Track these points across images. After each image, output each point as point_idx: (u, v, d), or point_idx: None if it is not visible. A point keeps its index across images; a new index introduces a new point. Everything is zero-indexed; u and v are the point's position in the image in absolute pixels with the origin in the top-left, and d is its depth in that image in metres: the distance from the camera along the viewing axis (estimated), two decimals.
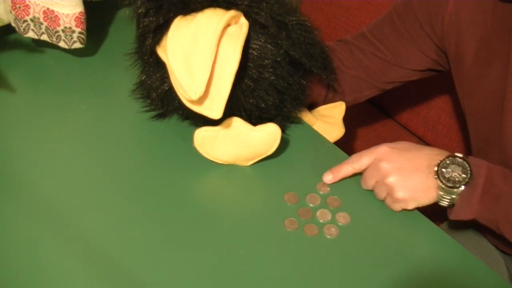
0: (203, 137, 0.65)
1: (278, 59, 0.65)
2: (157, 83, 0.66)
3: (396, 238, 0.63)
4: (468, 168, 0.62)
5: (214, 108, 0.58)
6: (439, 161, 0.63)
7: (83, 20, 0.78)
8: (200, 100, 0.58)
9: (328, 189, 0.67)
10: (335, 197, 0.66)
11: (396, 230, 0.64)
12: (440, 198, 0.64)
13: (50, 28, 0.78)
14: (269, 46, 0.63)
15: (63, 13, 0.77)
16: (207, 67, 0.55)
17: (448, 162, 0.63)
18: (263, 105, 0.67)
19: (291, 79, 0.68)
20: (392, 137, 1.22)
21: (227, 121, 0.64)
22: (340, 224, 0.63)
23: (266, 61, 0.64)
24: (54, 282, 0.53)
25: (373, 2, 1.18)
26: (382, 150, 0.66)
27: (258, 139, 0.65)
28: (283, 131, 0.71)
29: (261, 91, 0.65)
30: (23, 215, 0.59)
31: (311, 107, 0.83)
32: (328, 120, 0.81)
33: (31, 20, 0.78)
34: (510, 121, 0.69)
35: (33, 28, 0.79)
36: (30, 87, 0.79)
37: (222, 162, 0.68)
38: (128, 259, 0.56)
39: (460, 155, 0.63)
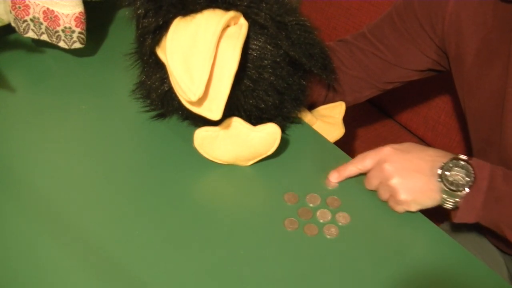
0: (203, 137, 0.65)
1: (278, 60, 0.65)
2: (157, 83, 0.66)
3: (396, 238, 0.63)
4: (472, 171, 0.62)
5: (213, 109, 0.58)
6: (443, 164, 0.63)
7: (83, 20, 0.78)
8: (200, 101, 0.58)
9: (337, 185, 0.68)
10: (335, 197, 0.66)
11: (396, 230, 0.64)
12: (444, 201, 0.64)
13: (50, 28, 0.78)
14: (268, 46, 0.63)
15: (63, 13, 0.77)
16: (207, 68, 0.55)
17: (451, 165, 0.63)
18: (263, 105, 0.67)
19: (291, 79, 0.68)
20: (392, 137, 1.22)
21: (227, 121, 0.64)
22: (340, 224, 0.63)
23: (266, 61, 0.64)
24: (54, 282, 0.53)
25: (373, 2, 1.18)
26: (386, 151, 0.66)
27: (258, 139, 0.65)
28: (283, 131, 0.71)
29: (260, 91, 0.65)
30: (23, 215, 0.59)
31: (311, 107, 0.83)
32: (328, 120, 0.81)
33: (31, 20, 0.78)
34: (511, 122, 0.69)
35: (33, 28, 0.79)
36: (30, 87, 0.79)
37: (222, 162, 0.68)
38: (128, 259, 0.56)
39: (463, 157, 0.63)
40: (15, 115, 0.72)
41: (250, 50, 0.63)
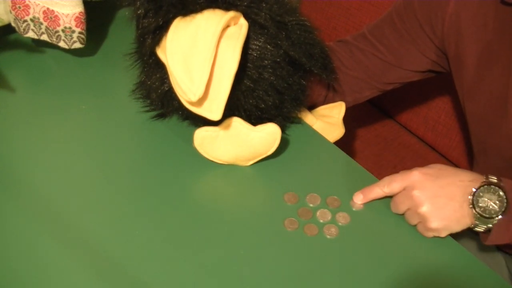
0: (203, 137, 0.65)
1: (278, 60, 0.65)
2: (157, 83, 0.66)
3: (396, 238, 0.63)
4: (504, 197, 0.60)
5: (213, 109, 0.58)
6: (474, 190, 0.61)
7: (83, 20, 0.78)
8: (200, 102, 0.58)
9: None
10: (335, 197, 0.66)
11: (395, 230, 0.64)
12: (475, 226, 0.62)
13: (50, 28, 0.78)
14: (268, 46, 0.63)
15: (63, 13, 0.77)
16: (207, 68, 0.55)
17: (482, 190, 0.61)
18: (263, 105, 0.67)
19: (291, 79, 0.68)
20: (392, 137, 1.22)
21: (227, 121, 0.64)
22: (340, 224, 0.63)
23: (266, 61, 0.64)
24: (54, 282, 0.53)
25: (373, 2, 1.18)
26: (415, 176, 0.63)
27: (258, 139, 0.65)
28: (283, 131, 0.71)
29: (260, 91, 0.65)
30: (23, 215, 0.59)
31: (311, 107, 0.83)
32: (328, 120, 0.81)
33: (31, 20, 0.78)
34: None
35: (33, 28, 0.79)
36: (30, 87, 0.79)
37: (222, 162, 0.68)
38: (128, 259, 0.56)
39: (494, 179, 0.62)
40: (15, 115, 0.72)
41: (250, 50, 0.63)
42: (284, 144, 0.73)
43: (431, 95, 1.15)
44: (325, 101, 0.87)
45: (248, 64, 0.63)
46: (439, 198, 0.62)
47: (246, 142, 0.65)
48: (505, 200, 0.60)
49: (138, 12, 0.61)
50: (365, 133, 1.22)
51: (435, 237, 0.63)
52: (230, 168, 0.68)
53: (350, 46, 0.87)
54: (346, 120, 0.82)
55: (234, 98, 0.63)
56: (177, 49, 0.56)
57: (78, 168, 0.66)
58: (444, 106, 1.13)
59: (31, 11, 0.77)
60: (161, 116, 0.73)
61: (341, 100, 0.85)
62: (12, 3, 0.77)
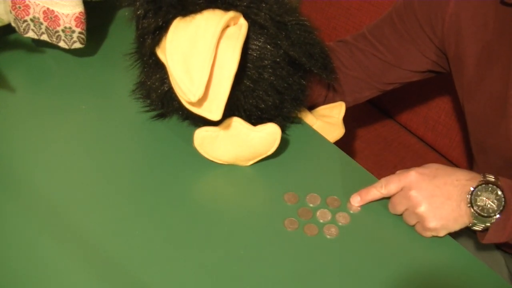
0: (203, 137, 0.65)
1: (278, 60, 0.65)
2: (157, 84, 0.66)
3: (395, 238, 0.63)
4: (502, 196, 0.60)
5: (213, 110, 0.58)
6: (472, 189, 0.61)
7: (83, 20, 0.78)
8: (200, 102, 0.58)
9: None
10: (335, 197, 0.66)
11: (395, 230, 0.64)
12: (473, 225, 0.62)
13: (50, 28, 0.78)
14: (268, 46, 0.63)
15: (63, 13, 0.77)
16: (206, 69, 0.55)
17: (480, 189, 0.61)
18: (263, 105, 0.67)
19: (290, 79, 0.68)
20: (392, 137, 1.22)
21: (227, 121, 0.64)
22: (340, 224, 0.63)
23: (266, 61, 0.64)
24: (54, 282, 0.53)
25: (373, 2, 1.18)
26: (412, 176, 0.63)
27: (258, 139, 0.65)
28: (283, 131, 0.71)
29: (260, 91, 0.65)
30: (23, 215, 0.59)
31: (311, 107, 0.83)
32: (328, 120, 0.81)
33: (31, 20, 0.78)
34: None
35: (33, 28, 0.79)
36: (30, 87, 0.79)
37: (222, 162, 0.68)
38: (128, 258, 0.56)
39: (492, 178, 0.61)
40: (15, 115, 0.72)
41: (250, 50, 0.63)
42: (284, 144, 0.73)
43: (431, 95, 1.15)
44: (325, 101, 0.87)
45: (248, 64, 0.63)
46: (436, 198, 0.62)
47: (246, 142, 0.65)
48: (503, 199, 0.60)
49: (138, 12, 0.61)
50: (365, 133, 1.22)
51: (434, 236, 0.63)
52: (230, 168, 0.68)
53: (350, 46, 0.87)
54: (346, 120, 0.82)
55: (234, 98, 0.63)
56: (177, 50, 0.56)
57: (78, 168, 0.66)
58: (444, 106, 1.13)
59: (31, 11, 0.77)
60: (161, 116, 0.73)
61: (341, 100, 0.85)
62: (12, 3, 0.77)
